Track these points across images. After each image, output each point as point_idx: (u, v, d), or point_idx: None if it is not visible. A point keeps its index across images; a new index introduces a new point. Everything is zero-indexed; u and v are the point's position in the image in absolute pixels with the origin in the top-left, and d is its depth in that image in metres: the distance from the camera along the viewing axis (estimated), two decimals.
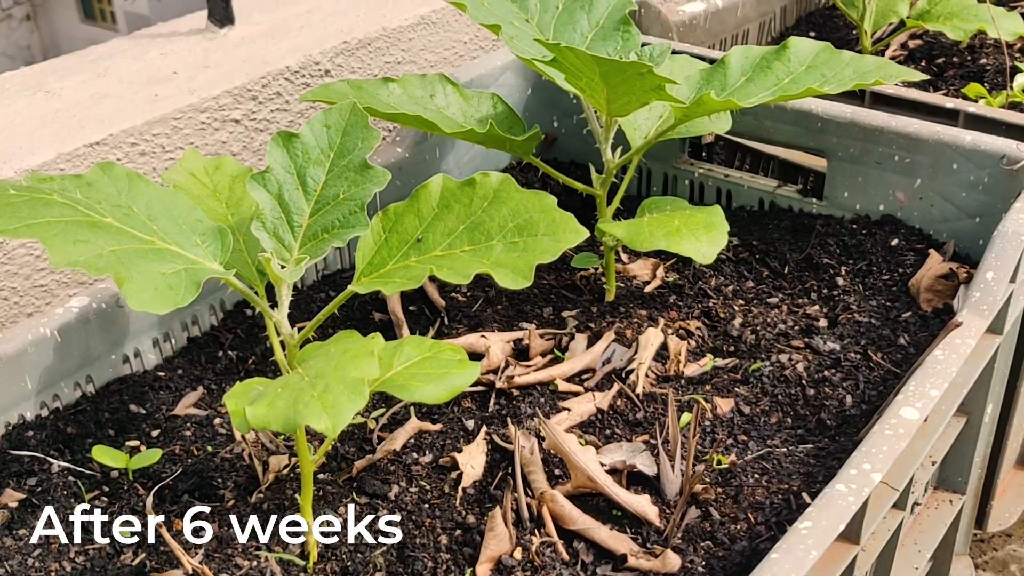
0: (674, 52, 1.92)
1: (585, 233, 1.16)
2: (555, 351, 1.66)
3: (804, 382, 1.55)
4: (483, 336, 1.66)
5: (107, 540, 1.36)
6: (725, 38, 2.60)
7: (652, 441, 1.48)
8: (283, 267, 1.25)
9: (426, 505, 1.41)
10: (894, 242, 1.79)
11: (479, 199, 1.21)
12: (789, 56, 1.64)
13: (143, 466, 1.45)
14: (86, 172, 1.22)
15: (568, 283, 1.83)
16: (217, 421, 1.57)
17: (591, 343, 1.67)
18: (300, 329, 1.28)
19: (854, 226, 1.85)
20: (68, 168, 1.65)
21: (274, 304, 1.26)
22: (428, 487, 1.44)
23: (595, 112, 1.66)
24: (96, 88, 1.84)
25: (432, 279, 1.83)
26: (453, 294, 1.81)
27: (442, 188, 1.23)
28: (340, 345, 1.15)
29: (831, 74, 1.61)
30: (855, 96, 2.05)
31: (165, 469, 1.48)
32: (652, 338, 1.66)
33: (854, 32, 2.71)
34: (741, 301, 1.78)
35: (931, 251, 1.75)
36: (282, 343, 1.29)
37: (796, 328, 1.66)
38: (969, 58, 2.49)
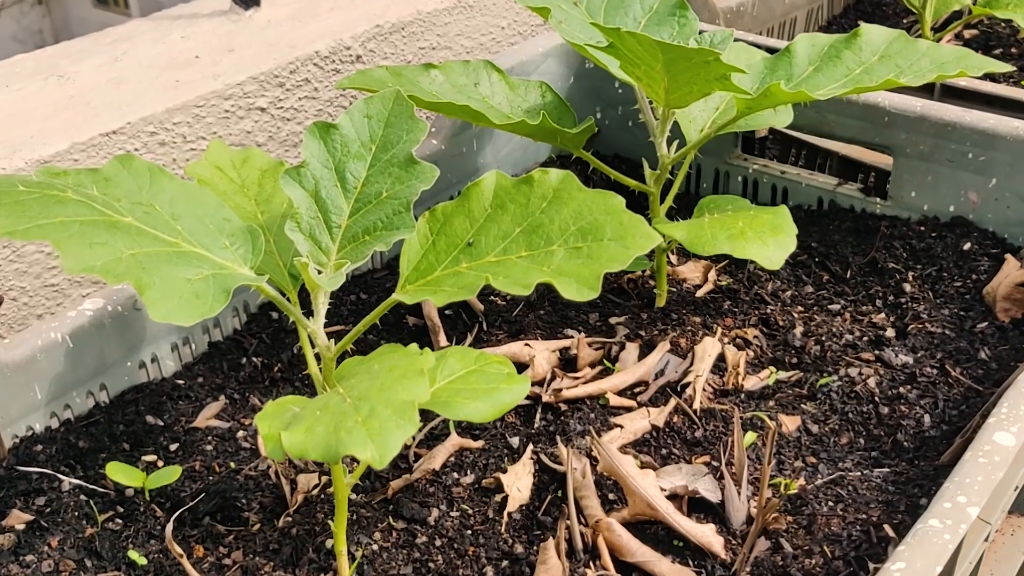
0: None
1: (658, 238, 1.04)
2: (604, 361, 1.55)
3: (877, 399, 1.44)
4: (527, 344, 1.54)
5: (122, 569, 1.26)
6: (772, 26, 2.48)
7: (714, 463, 1.36)
8: (320, 272, 1.14)
9: (469, 532, 1.30)
10: (966, 246, 1.67)
11: (537, 199, 1.09)
12: (860, 45, 1.52)
13: (161, 485, 1.34)
14: (104, 166, 1.11)
15: (614, 287, 1.71)
16: (240, 434, 1.46)
17: (643, 353, 1.55)
18: (332, 338, 1.16)
19: (922, 228, 1.73)
20: (83, 159, 1.53)
21: (309, 312, 1.14)
22: (471, 511, 1.33)
23: (650, 103, 1.54)
24: (113, 73, 1.73)
25: None
26: (492, 297, 1.70)
27: (496, 186, 1.11)
28: (384, 361, 1.04)
29: (906, 64, 1.49)
30: (922, 89, 1.93)
31: (184, 488, 1.37)
32: (709, 348, 1.55)
33: (905, 21, 2.59)
34: (800, 308, 1.66)
35: (1007, 256, 1.63)
36: (317, 356, 1.17)
37: (863, 339, 1.55)
38: None
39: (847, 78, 1.50)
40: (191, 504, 1.34)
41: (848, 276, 1.70)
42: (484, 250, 1.09)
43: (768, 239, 1.40)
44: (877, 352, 1.51)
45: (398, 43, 1.91)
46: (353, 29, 1.85)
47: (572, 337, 1.58)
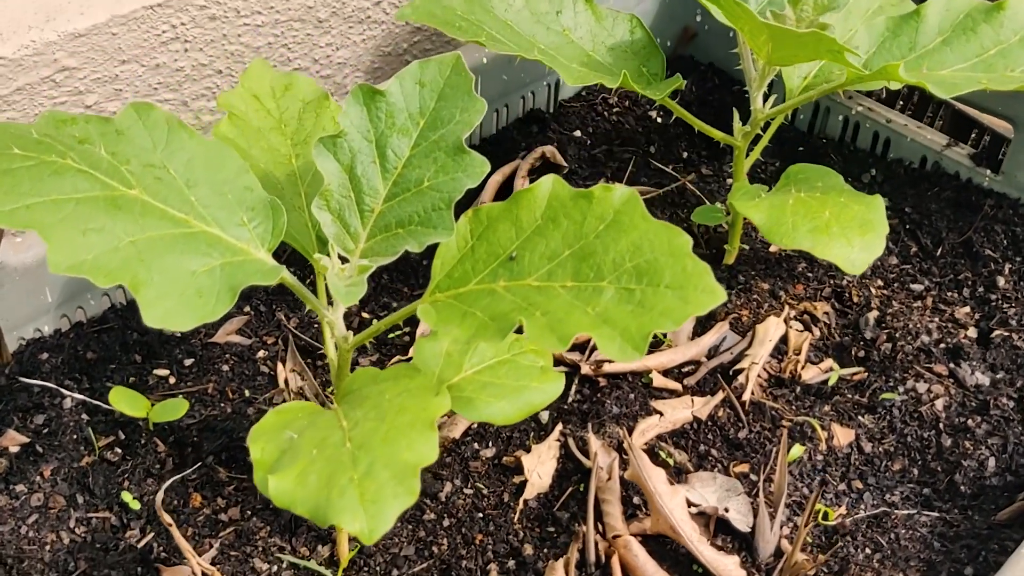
0: None
1: (722, 297, 0.91)
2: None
3: (941, 425, 1.32)
4: None
5: (113, 511, 1.20)
6: None
7: (752, 476, 1.27)
8: (346, 260, 1.03)
9: (480, 515, 1.23)
10: None
11: (594, 219, 0.96)
12: (1003, 19, 1.33)
13: (166, 420, 1.27)
14: (118, 115, 0.99)
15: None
16: (260, 354, 1.38)
17: (700, 328, 1.44)
18: (351, 329, 1.06)
19: None
20: (122, 35, 1.41)
21: (331, 299, 1.04)
22: (486, 491, 1.25)
23: (751, 54, 1.38)
24: None
25: None
26: None
27: (550, 195, 0.98)
28: (397, 389, 0.94)
29: None
30: None
31: (193, 414, 1.30)
32: (771, 331, 1.43)
33: None
34: (880, 282, 1.52)
35: None
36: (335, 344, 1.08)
37: (940, 343, 1.41)
38: None
39: (979, 59, 1.32)
40: (195, 439, 1.27)
41: (939, 254, 1.55)
42: (527, 268, 0.97)
43: (855, 238, 1.26)
44: (952, 365, 1.39)
45: None
46: None
47: None
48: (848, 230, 1.27)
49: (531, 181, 1.60)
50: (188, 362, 1.36)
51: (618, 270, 0.94)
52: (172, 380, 1.34)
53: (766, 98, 1.40)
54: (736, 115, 1.43)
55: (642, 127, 1.75)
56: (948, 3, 1.36)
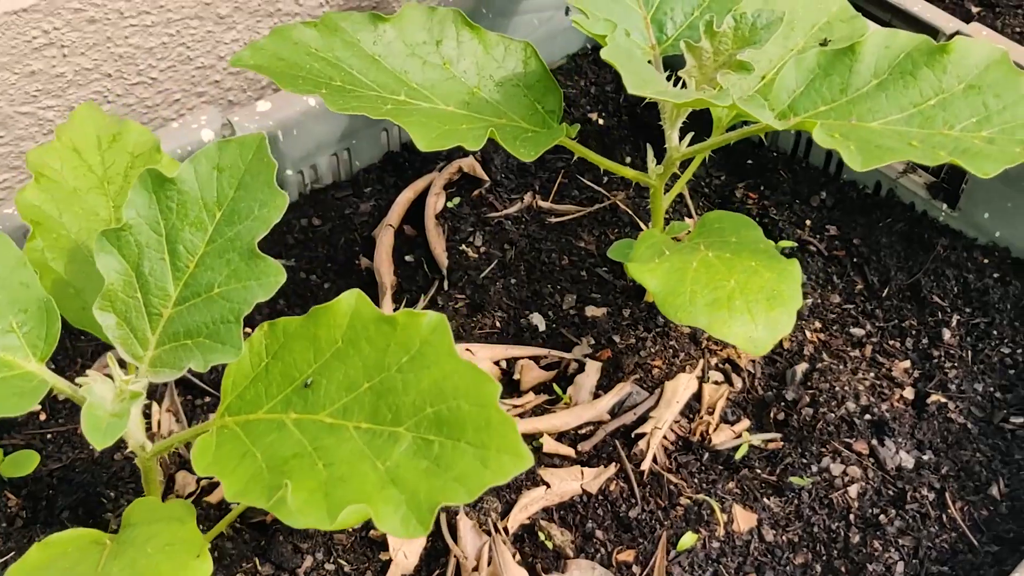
0: None
1: (528, 462, 0.76)
2: (555, 387, 1.28)
3: (852, 517, 1.16)
4: (468, 349, 1.28)
5: None
6: None
7: (636, 570, 1.12)
8: (136, 368, 0.88)
9: None
10: None
11: (397, 348, 0.81)
12: (947, 64, 1.14)
13: (18, 475, 1.16)
14: None
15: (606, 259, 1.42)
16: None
17: (605, 377, 1.28)
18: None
19: (985, 260, 1.38)
20: None
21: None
22: (348, 567, 1.12)
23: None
24: None
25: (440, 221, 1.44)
26: (463, 247, 1.41)
27: (352, 315, 0.83)
28: (162, 540, 0.80)
29: (997, 106, 1.11)
30: None
31: (59, 457, 1.20)
32: (681, 390, 1.27)
33: None
34: (818, 324, 1.36)
35: None
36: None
37: (867, 414, 1.25)
38: None
39: (916, 109, 1.13)
40: (51, 492, 1.16)
41: (885, 295, 1.38)
42: (322, 400, 0.82)
43: (760, 313, 1.09)
44: (874, 442, 1.22)
45: None
46: None
47: (525, 345, 1.31)
48: (754, 304, 1.10)
49: (447, 198, 1.44)
50: (62, 397, 1.24)
51: (418, 414, 0.79)
52: (43, 417, 1.24)
53: (686, 133, 1.23)
54: (651, 153, 1.25)
55: (580, 132, 1.57)
56: (887, 39, 1.16)
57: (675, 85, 1.20)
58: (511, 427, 0.77)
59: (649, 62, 1.24)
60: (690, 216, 1.49)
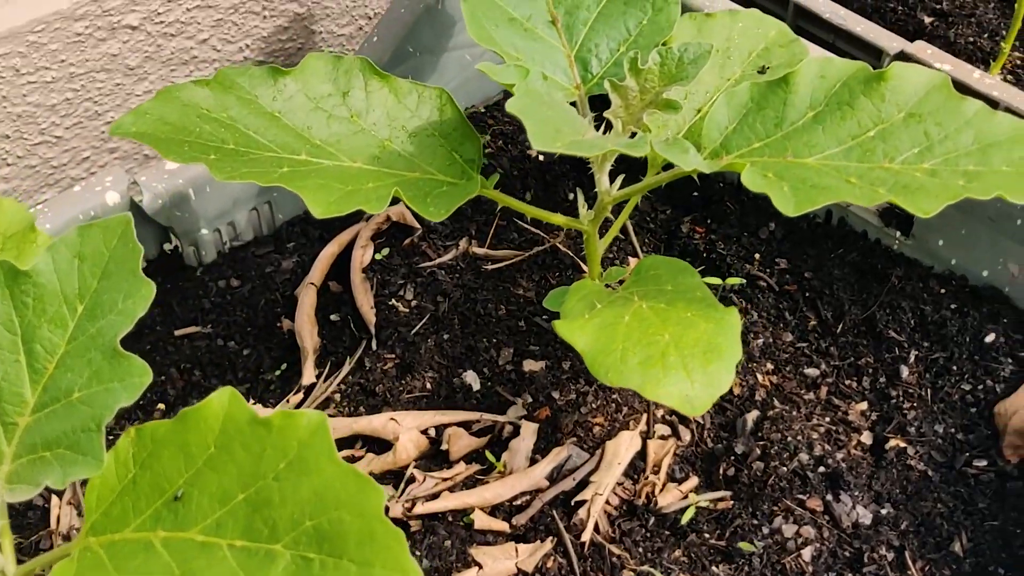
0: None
1: None
2: (488, 454, 1.19)
3: None
4: (392, 419, 1.19)
5: None
6: None
7: None
8: None
9: None
10: (989, 338, 1.24)
11: (274, 453, 0.72)
12: (885, 92, 1.05)
13: None
14: None
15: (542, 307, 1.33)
16: None
17: (540, 445, 1.19)
18: None
19: (942, 290, 1.29)
20: None
21: None
22: None
23: None
24: None
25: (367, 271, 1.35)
26: (393, 301, 1.33)
27: (225, 417, 0.74)
28: None
29: (938, 135, 1.02)
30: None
31: None
32: (623, 449, 1.18)
33: None
34: (771, 365, 1.27)
35: None
36: None
37: (821, 466, 1.16)
38: None
39: (855, 141, 1.04)
40: None
41: (839, 331, 1.29)
42: (194, 514, 0.73)
43: (696, 370, 1.00)
44: (829, 497, 1.13)
45: None
46: None
47: (456, 409, 1.22)
48: (689, 359, 1.01)
49: (376, 249, 1.35)
50: None
51: (296, 529, 0.71)
52: None
53: (621, 172, 1.14)
54: (581, 198, 1.16)
55: (518, 170, 1.48)
56: (822, 68, 1.08)
57: (601, 127, 1.12)
58: (398, 540, 0.68)
59: (574, 103, 1.15)
60: (635, 255, 1.40)
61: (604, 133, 1.10)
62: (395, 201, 0.99)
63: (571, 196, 1.45)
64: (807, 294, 1.34)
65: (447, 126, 1.10)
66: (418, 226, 1.40)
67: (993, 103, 1.32)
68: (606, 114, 1.09)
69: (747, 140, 1.08)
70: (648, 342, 1.02)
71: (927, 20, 1.76)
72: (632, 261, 1.39)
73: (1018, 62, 1.71)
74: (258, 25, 1.45)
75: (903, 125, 1.04)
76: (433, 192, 1.02)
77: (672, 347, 1.01)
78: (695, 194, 1.45)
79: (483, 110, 1.55)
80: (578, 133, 0.97)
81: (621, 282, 1.17)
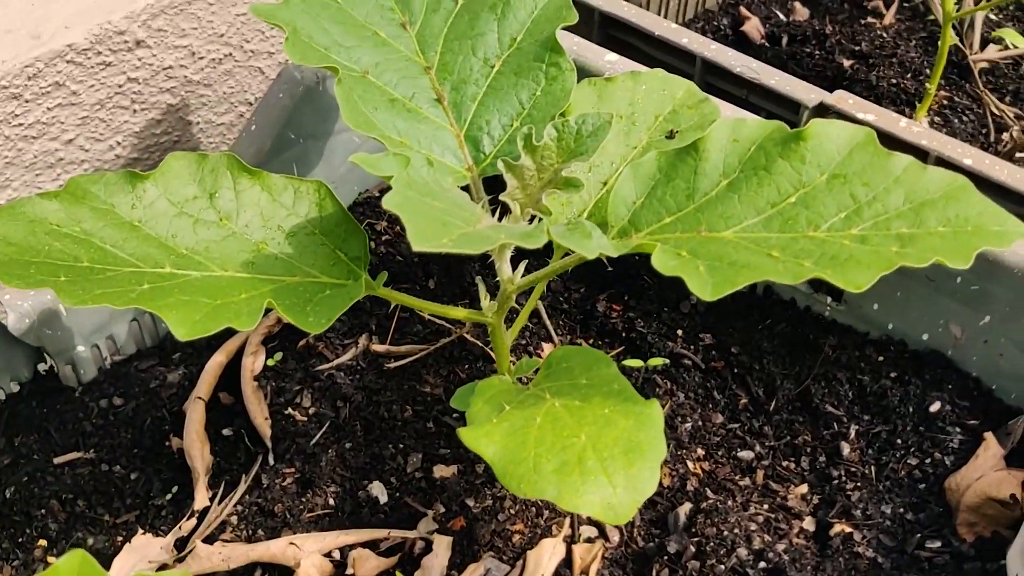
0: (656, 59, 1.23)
1: None
2: (398, 573, 1.07)
3: None
4: (292, 543, 1.06)
5: None
6: None
7: None
8: None
9: None
10: (935, 407, 1.15)
11: None
12: (804, 153, 0.96)
13: None
14: None
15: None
16: None
17: (456, 560, 1.07)
18: None
19: (880, 358, 1.20)
20: None
21: None
22: None
23: None
24: None
25: (268, 390, 1.22)
26: (288, 409, 1.20)
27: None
28: None
29: (866, 196, 0.93)
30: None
31: None
32: (546, 558, 1.06)
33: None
34: (701, 451, 1.17)
35: (987, 436, 1.11)
36: None
37: (762, 561, 1.05)
38: None
39: (775, 210, 0.95)
40: None
41: (772, 408, 1.19)
42: None
43: (617, 473, 0.88)
44: None
45: (204, 14, 1.34)
46: (131, 2, 1.28)
47: (362, 528, 1.10)
48: (609, 462, 0.89)
49: (268, 354, 1.23)
50: None
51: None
52: None
53: (521, 259, 1.04)
54: (482, 288, 1.06)
55: (419, 256, 1.37)
56: (734, 130, 0.99)
57: (497, 211, 1.02)
58: None
59: (467, 187, 1.04)
60: (550, 340, 1.29)
61: (501, 218, 1.00)
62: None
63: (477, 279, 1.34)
64: (736, 370, 1.24)
65: (328, 222, 0.99)
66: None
67: (923, 153, 1.25)
68: (502, 197, 0.99)
69: (657, 215, 0.98)
70: (563, 446, 0.91)
71: (847, 64, 1.69)
72: (547, 347, 1.28)
73: (945, 101, 1.64)
74: (128, 120, 1.33)
75: (827, 188, 0.95)
76: (315, 298, 0.91)
77: (590, 450, 0.90)
78: (610, 269, 1.35)
79: (378, 194, 1.44)
80: (469, 223, 0.86)
81: (536, 372, 1.06)
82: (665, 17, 1.76)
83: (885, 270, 0.84)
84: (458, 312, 1.05)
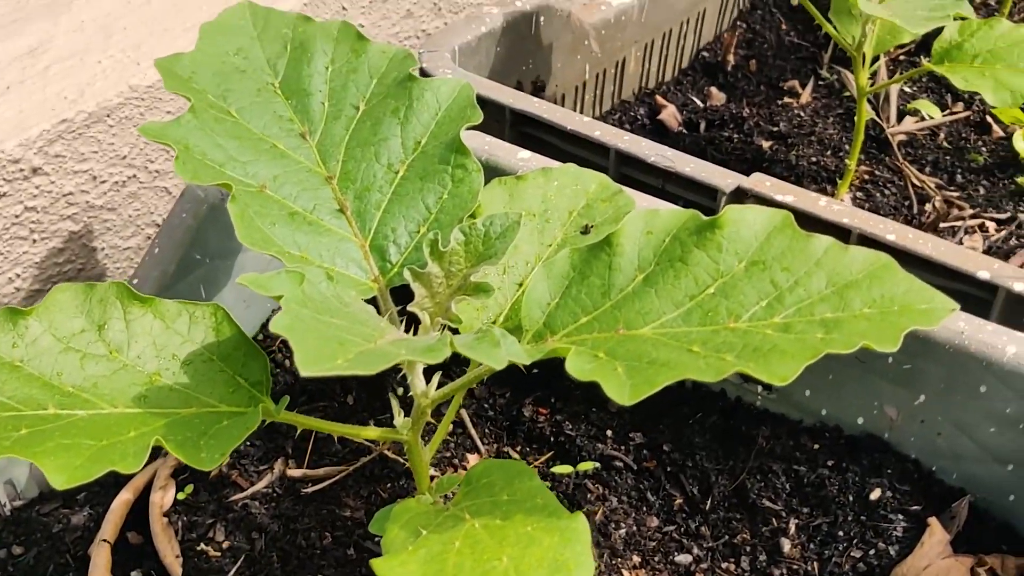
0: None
1: None
2: None
3: None
4: None
5: None
6: (670, 29, 1.83)
7: None
8: None
9: None
10: (875, 494, 1.09)
11: None
12: (721, 241, 0.91)
13: None
14: None
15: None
16: None
17: None
18: None
19: (816, 446, 1.15)
20: None
21: None
22: None
23: None
24: None
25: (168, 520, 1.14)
26: (201, 545, 1.12)
27: None
28: None
29: (787, 282, 0.88)
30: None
31: None
32: None
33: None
34: (637, 558, 1.10)
35: (931, 522, 1.06)
36: None
37: None
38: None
39: (694, 302, 0.89)
40: None
41: (708, 507, 1.13)
42: None
43: None
44: None
45: (104, 137, 1.29)
46: (24, 129, 1.22)
47: None
48: None
49: (178, 487, 1.16)
50: None
51: None
52: None
53: (429, 374, 0.97)
54: (395, 405, 0.99)
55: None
56: (648, 222, 0.94)
57: (406, 323, 0.96)
58: None
59: (374, 299, 0.99)
60: (476, 450, 1.23)
61: (415, 329, 0.94)
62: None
63: (400, 392, 1.28)
64: (669, 469, 1.18)
65: (226, 347, 0.92)
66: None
67: (845, 231, 1.21)
68: (410, 308, 0.93)
69: (573, 315, 0.92)
70: (483, 571, 0.83)
71: (766, 145, 1.67)
72: (472, 458, 1.22)
73: (866, 176, 1.62)
74: (28, 251, 1.26)
75: (746, 276, 0.89)
76: (210, 430, 0.84)
77: (512, 572, 0.83)
78: (535, 371, 1.29)
79: None
80: (370, 339, 0.80)
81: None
82: (582, 110, 1.73)
83: (810, 359, 0.79)
84: (371, 432, 0.98)
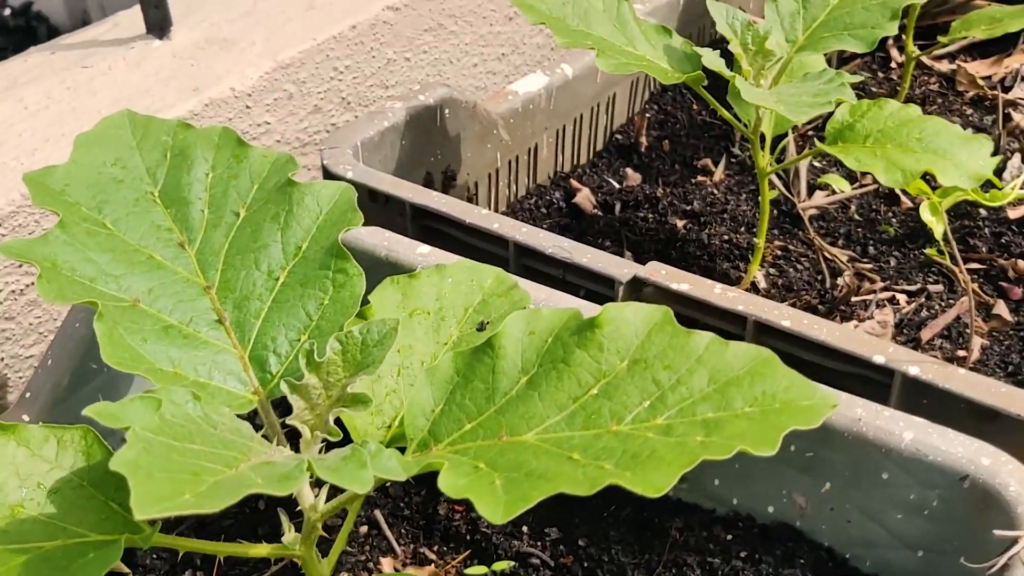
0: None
1: None
2: None
3: None
4: None
5: None
6: (580, 114, 1.81)
7: None
8: None
9: None
10: None
11: None
12: (601, 340, 0.88)
13: None
14: None
15: None
16: None
17: None
18: None
19: (729, 537, 1.10)
20: None
21: None
22: None
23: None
24: None
25: None
26: None
27: None
28: None
29: (669, 380, 0.85)
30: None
31: None
32: None
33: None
34: None
35: None
36: None
37: None
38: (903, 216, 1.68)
39: (577, 404, 0.86)
40: None
41: None
42: None
43: None
44: None
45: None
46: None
47: None
48: None
49: None
50: None
51: None
52: None
53: (320, 485, 0.93)
54: (285, 520, 0.94)
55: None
56: (529, 322, 0.90)
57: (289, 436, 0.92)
58: None
59: (254, 413, 0.94)
60: (391, 551, 1.18)
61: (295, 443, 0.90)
62: None
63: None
64: (586, 564, 1.13)
65: (97, 471, 0.87)
66: (126, 569, 1.15)
67: (741, 318, 1.18)
68: (289, 421, 0.89)
69: (457, 422, 0.88)
70: None
71: (680, 224, 1.64)
72: (386, 562, 1.17)
73: (779, 252, 1.60)
74: None
75: (628, 375, 0.86)
76: (74, 564, 0.79)
77: None
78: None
79: None
80: (232, 464, 0.76)
81: None
82: (496, 197, 1.70)
83: (687, 466, 0.75)
84: (260, 550, 0.93)
